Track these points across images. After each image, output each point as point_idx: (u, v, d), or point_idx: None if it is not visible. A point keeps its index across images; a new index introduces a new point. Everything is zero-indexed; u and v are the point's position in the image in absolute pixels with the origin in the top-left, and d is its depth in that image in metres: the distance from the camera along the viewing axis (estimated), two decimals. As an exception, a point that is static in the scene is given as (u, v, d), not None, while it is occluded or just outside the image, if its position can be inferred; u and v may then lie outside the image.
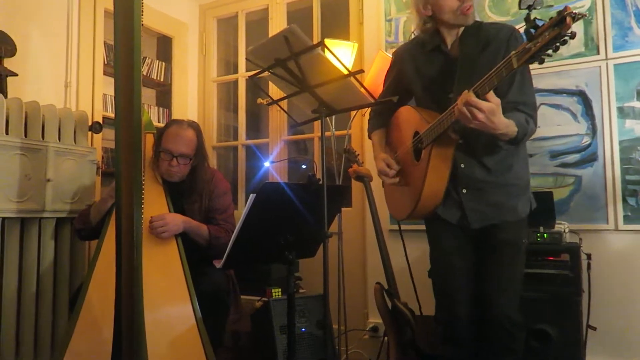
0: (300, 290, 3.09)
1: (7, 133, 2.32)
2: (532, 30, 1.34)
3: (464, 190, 1.76)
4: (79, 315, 1.83)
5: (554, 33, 1.29)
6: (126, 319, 1.10)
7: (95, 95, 3.13)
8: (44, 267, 2.47)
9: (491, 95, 1.51)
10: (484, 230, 1.75)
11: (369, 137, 2.11)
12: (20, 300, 2.37)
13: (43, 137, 2.47)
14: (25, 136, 2.40)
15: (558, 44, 1.31)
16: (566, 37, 1.29)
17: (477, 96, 1.50)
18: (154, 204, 2.22)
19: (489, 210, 1.74)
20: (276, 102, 1.89)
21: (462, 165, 1.75)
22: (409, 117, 1.88)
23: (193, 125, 2.34)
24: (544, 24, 1.32)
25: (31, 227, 2.42)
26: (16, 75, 2.61)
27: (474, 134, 1.62)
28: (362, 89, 1.71)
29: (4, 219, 2.29)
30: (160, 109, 4.10)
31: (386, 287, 2.35)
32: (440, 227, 1.82)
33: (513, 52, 1.40)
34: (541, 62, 1.36)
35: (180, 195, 2.33)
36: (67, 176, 2.56)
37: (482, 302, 1.74)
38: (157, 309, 1.86)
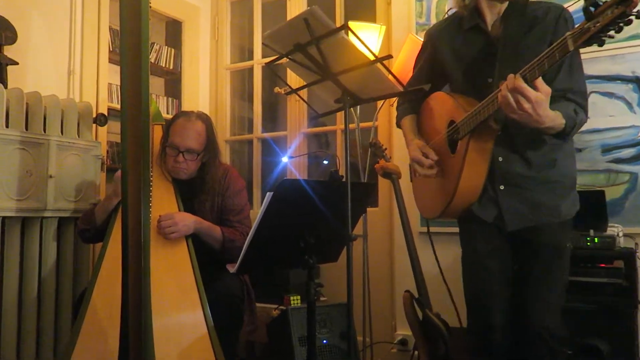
0: (322, 298, 3.09)
1: (7, 126, 2.38)
2: (592, 9, 1.30)
3: (502, 187, 1.73)
4: (83, 323, 1.87)
5: (617, 11, 1.26)
6: (133, 326, 1.12)
7: (99, 84, 3.19)
8: (46, 271, 2.53)
9: (541, 82, 1.47)
10: (523, 233, 1.73)
11: (398, 126, 2.10)
12: (21, 306, 2.42)
13: (45, 130, 2.52)
14: (27, 129, 2.45)
15: (622, 24, 1.27)
16: (632, 17, 1.25)
17: (526, 82, 1.47)
18: (163, 202, 2.24)
19: (528, 210, 1.71)
20: (295, 91, 1.89)
21: (500, 159, 1.73)
22: (444, 105, 1.86)
23: (202, 117, 2.35)
24: (605, 1, 1.29)
25: (32, 228, 2.47)
26: (17, 63, 2.67)
27: (516, 123, 1.60)
28: (390, 76, 1.70)
29: (3, 218, 2.35)
30: (169, 99, 4.16)
31: (416, 295, 2.33)
32: (475, 227, 1.80)
33: (568, 33, 1.36)
34: (601, 44, 1.32)
35: (190, 193, 2.35)
36: (70, 172, 2.61)
37: (519, 311, 1.72)
38: (166, 316, 1.89)
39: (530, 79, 1.46)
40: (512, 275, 1.76)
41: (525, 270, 1.72)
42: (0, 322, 2.33)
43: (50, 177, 2.49)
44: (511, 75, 1.49)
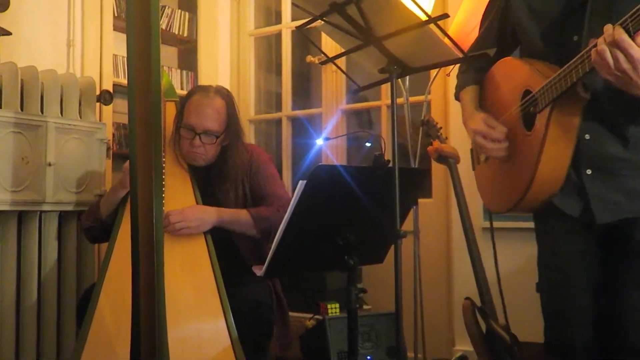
0: (365, 307, 3.09)
1: (0, 106, 2.44)
2: None
3: (589, 171, 1.68)
4: (89, 332, 1.91)
5: None
6: (146, 337, 1.13)
7: (103, 56, 3.24)
8: (46, 272, 2.60)
9: None
10: (616, 228, 1.67)
11: (456, 98, 2.07)
12: (19, 312, 2.50)
13: (42, 110, 2.59)
14: (22, 110, 2.52)
15: None
16: None
17: (628, 34, 1.41)
18: (177, 193, 2.27)
19: (624, 200, 1.66)
20: (332, 60, 1.88)
21: (587, 137, 1.67)
22: (516, 72, 1.82)
23: (222, 93, 2.35)
24: None
25: (30, 223, 2.54)
26: (10, 34, 2.73)
27: (610, 91, 1.54)
28: (446, 40, 1.67)
29: (-2, 212, 2.42)
30: (184, 72, 4.20)
31: (479, 303, 2.31)
32: (555, 222, 1.76)
33: None
34: None
35: (210, 182, 2.37)
36: (72, 159, 2.67)
37: (611, 326, 1.68)
38: (183, 326, 1.92)
39: (634, 30, 1.40)
40: (601, 281, 1.71)
41: (621, 275, 1.67)
42: (-4, 330, 2.41)
43: (49, 164, 2.55)
44: (609, 26, 1.42)
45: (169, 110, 2.45)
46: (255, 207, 2.31)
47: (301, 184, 1.58)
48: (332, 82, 3.74)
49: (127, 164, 2.22)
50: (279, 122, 4.11)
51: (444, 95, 3.26)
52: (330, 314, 2.69)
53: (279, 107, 4.12)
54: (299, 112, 4.11)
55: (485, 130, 1.81)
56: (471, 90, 1.99)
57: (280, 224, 1.63)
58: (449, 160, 2.52)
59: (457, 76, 2.08)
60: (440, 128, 2.62)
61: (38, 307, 2.56)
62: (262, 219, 2.24)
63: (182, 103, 2.36)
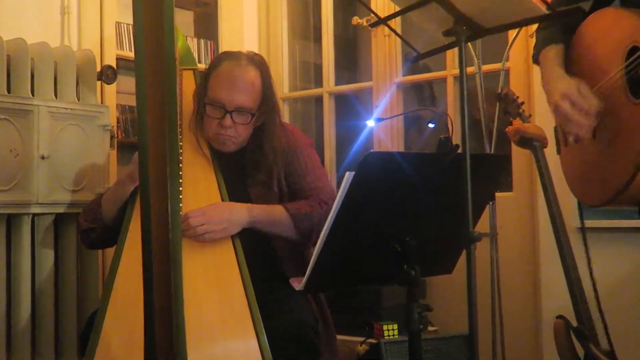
0: (430, 328, 3.08)
1: (-18, 88, 2.50)
2: None
3: None
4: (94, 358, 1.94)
5: None
6: (162, 365, 1.15)
7: (104, 25, 3.28)
8: (41, 288, 2.65)
9: None
10: None
11: (535, 60, 2.05)
12: (10, 335, 2.55)
13: (33, 92, 2.63)
14: (8, 92, 2.57)
15: None
16: None
17: None
18: (198, 187, 2.28)
19: None
20: (384, 21, 1.87)
21: None
22: (618, 24, 1.79)
23: (255, 61, 2.36)
24: None
25: (20, 227, 2.59)
26: (-8, 0, 2.79)
27: None
28: (527, -9, 1.65)
29: (-17, 215, 2.48)
30: (201, 41, 4.24)
31: (575, 323, 2.28)
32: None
33: None
34: None
35: (239, 173, 2.38)
36: (69, 150, 2.71)
37: None
38: (206, 352, 1.93)
39: None
40: None
41: None
42: (-16, 359, 2.47)
43: (42, 157, 2.60)
44: None
45: (186, 81, 2.46)
46: (292, 202, 2.32)
47: (348, 175, 1.58)
48: (385, 50, 3.72)
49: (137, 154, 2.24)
50: (319, 100, 4.12)
51: (525, 61, 3.22)
52: (386, 337, 2.69)
53: (318, 82, 4.12)
54: (344, 88, 4.10)
55: (576, 94, 1.78)
56: (556, 48, 1.96)
57: (324, 222, 1.63)
58: (533, 143, 2.49)
59: (536, 33, 2.06)
60: (522, 103, 2.59)
61: (32, 331, 2.60)
62: (302, 216, 2.24)
63: (207, 74, 2.35)
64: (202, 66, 3.67)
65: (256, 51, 4.00)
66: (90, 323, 2.10)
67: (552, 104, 1.87)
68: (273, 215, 2.26)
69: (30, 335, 2.59)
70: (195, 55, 4.13)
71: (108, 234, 2.34)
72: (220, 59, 2.38)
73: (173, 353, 1.18)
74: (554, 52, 1.96)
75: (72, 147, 2.72)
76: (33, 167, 2.58)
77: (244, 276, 2.09)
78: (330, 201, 2.23)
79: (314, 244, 2.27)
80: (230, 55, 2.37)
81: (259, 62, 2.35)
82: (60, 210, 2.69)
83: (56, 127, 2.67)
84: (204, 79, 2.36)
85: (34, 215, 2.62)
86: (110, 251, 2.74)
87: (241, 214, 2.21)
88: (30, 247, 2.61)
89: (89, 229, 2.38)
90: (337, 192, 1.58)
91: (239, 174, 2.37)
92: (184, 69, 2.48)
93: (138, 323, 1.75)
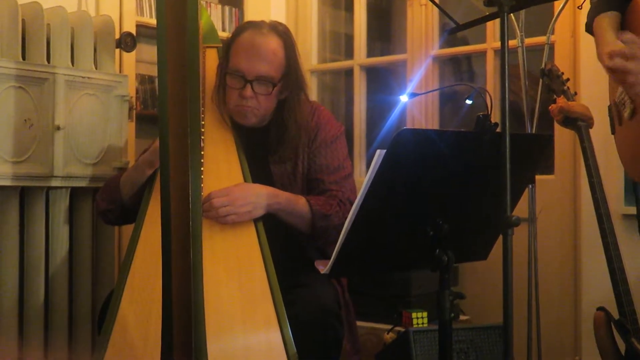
0: (462, 317, 3.07)
1: (-4, 54, 2.52)
2: None
3: None
4: (108, 345, 1.96)
5: None
6: (179, 352, 1.16)
7: (124, -11, 3.29)
8: (55, 264, 2.68)
9: None
10: None
11: (588, 29, 2.03)
12: (22, 313, 2.59)
13: (49, 59, 2.65)
14: (23, 58, 2.58)
15: None
16: None
17: None
18: (219, 164, 2.29)
19: None
20: (421, -11, 1.86)
21: None
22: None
23: (278, 30, 2.36)
24: None
25: (35, 202, 2.62)
26: (7, -39, 2.80)
27: None
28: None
29: (-5, 188, 2.51)
30: (226, 8, 4.23)
31: (616, 315, 2.28)
32: None
33: None
34: None
35: (262, 149, 2.39)
36: (86, 121, 2.73)
37: None
38: (226, 339, 1.94)
39: None
40: None
41: None
42: (-5, 337, 2.51)
43: (58, 128, 2.61)
44: None
45: (209, 59, 2.47)
46: (315, 195, 2.32)
47: (379, 153, 1.58)
48: (421, 20, 3.69)
49: (157, 142, 2.25)
50: (349, 72, 4.10)
51: (571, 35, 3.18)
52: (415, 326, 2.69)
53: (349, 54, 4.10)
54: (376, 60, 4.08)
55: (624, 46, 1.76)
56: (612, 16, 1.94)
57: (340, 227, 1.64)
58: (578, 123, 2.47)
59: (591, 1, 2.03)
60: (567, 80, 2.57)
61: (45, 309, 2.64)
62: (322, 216, 2.25)
63: (228, 44, 2.36)
64: (225, 35, 3.68)
65: (283, 20, 4.03)
66: (107, 303, 2.13)
67: (606, 68, 1.85)
68: (296, 206, 2.26)
69: (43, 314, 2.63)
70: (219, 23, 4.13)
71: (127, 214, 2.37)
72: (241, 28, 2.39)
73: (190, 334, 1.19)
74: (607, 20, 1.94)
75: (88, 118, 2.74)
76: (48, 139, 2.60)
77: (266, 261, 2.10)
78: (348, 202, 2.28)
79: (323, 245, 2.28)
80: (252, 25, 2.38)
81: (282, 32, 2.36)
82: (76, 184, 2.71)
83: (72, 96, 2.68)
84: (225, 50, 2.37)
85: (49, 188, 2.64)
86: (126, 228, 2.77)
87: (265, 197, 2.22)
88: (45, 223, 2.64)
89: (108, 210, 2.41)
90: (366, 175, 1.58)
91: (261, 150, 2.38)
92: (207, 47, 2.48)
93: (155, 304, 1.77)
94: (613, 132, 2.04)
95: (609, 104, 2.10)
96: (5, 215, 2.55)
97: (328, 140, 2.40)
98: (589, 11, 2.04)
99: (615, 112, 2.03)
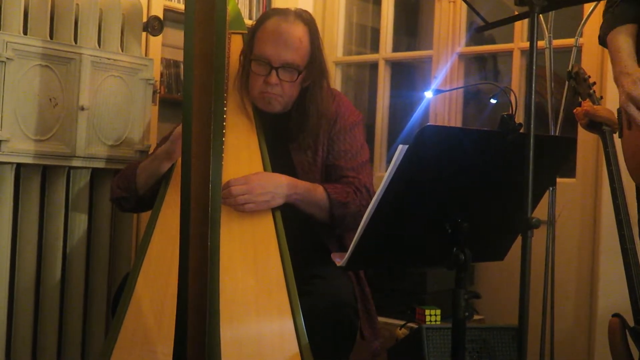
0: (476, 316, 3.06)
1: (25, 32, 2.53)
2: None
3: None
4: (122, 327, 1.96)
5: None
6: (193, 337, 1.16)
7: (153, -28, 3.29)
8: (73, 245, 2.71)
9: None
10: None
11: (601, 42, 2.01)
12: (38, 291, 2.61)
13: (76, 40, 2.66)
14: (51, 38, 2.60)
15: None
16: None
17: None
18: (241, 153, 2.29)
19: None
20: (451, -15, 1.85)
21: None
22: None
23: (304, 18, 2.36)
24: None
25: (56, 181, 2.64)
26: (39, -60, 2.82)
27: None
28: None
29: (18, 165, 2.52)
30: (253, -4, 4.22)
31: (631, 323, 2.28)
32: None
33: None
34: None
35: (283, 136, 2.39)
36: (110, 103, 2.75)
37: None
38: (239, 326, 1.95)
39: None
40: None
41: None
42: (11, 318, 2.52)
43: (82, 109, 2.63)
44: None
45: (234, 45, 2.47)
46: (331, 184, 2.32)
47: (401, 149, 1.57)
48: (449, 16, 3.68)
49: (178, 128, 2.25)
50: (374, 66, 4.09)
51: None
52: (429, 322, 2.69)
53: (375, 47, 4.09)
54: (402, 55, 4.07)
55: None
56: (627, 30, 1.92)
57: (357, 213, 1.64)
58: (602, 127, 2.46)
59: (604, 14, 2.01)
60: (594, 84, 2.55)
61: (62, 288, 2.66)
62: (340, 204, 2.25)
63: (253, 30, 2.36)
64: (252, 22, 3.68)
65: (311, 10, 4.02)
66: (123, 286, 2.14)
67: (621, 103, 1.85)
68: (314, 195, 2.26)
69: (59, 294, 2.65)
70: (246, 10, 4.13)
71: (142, 203, 2.39)
72: (267, 15, 2.40)
73: (205, 319, 1.20)
74: (623, 38, 1.92)
75: (112, 100, 2.75)
76: (72, 118, 2.62)
77: (282, 251, 2.10)
78: (365, 189, 2.28)
79: (340, 232, 2.28)
80: (277, 12, 2.40)
81: (307, 20, 2.36)
82: (97, 165, 2.72)
83: (98, 77, 2.69)
84: (250, 36, 2.37)
85: (70, 168, 2.66)
86: (144, 215, 2.78)
87: (285, 187, 2.22)
88: (65, 202, 2.66)
89: (122, 197, 2.40)
90: (387, 170, 1.58)
91: (282, 138, 2.38)
92: (233, 33, 2.49)
93: (170, 288, 1.78)
94: (620, 136, 2.03)
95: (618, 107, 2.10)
96: (26, 193, 2.57)
97: (347, 126, 2.40)
98: (602, 24, 2.03)
99: (624, 117, 2.02)
